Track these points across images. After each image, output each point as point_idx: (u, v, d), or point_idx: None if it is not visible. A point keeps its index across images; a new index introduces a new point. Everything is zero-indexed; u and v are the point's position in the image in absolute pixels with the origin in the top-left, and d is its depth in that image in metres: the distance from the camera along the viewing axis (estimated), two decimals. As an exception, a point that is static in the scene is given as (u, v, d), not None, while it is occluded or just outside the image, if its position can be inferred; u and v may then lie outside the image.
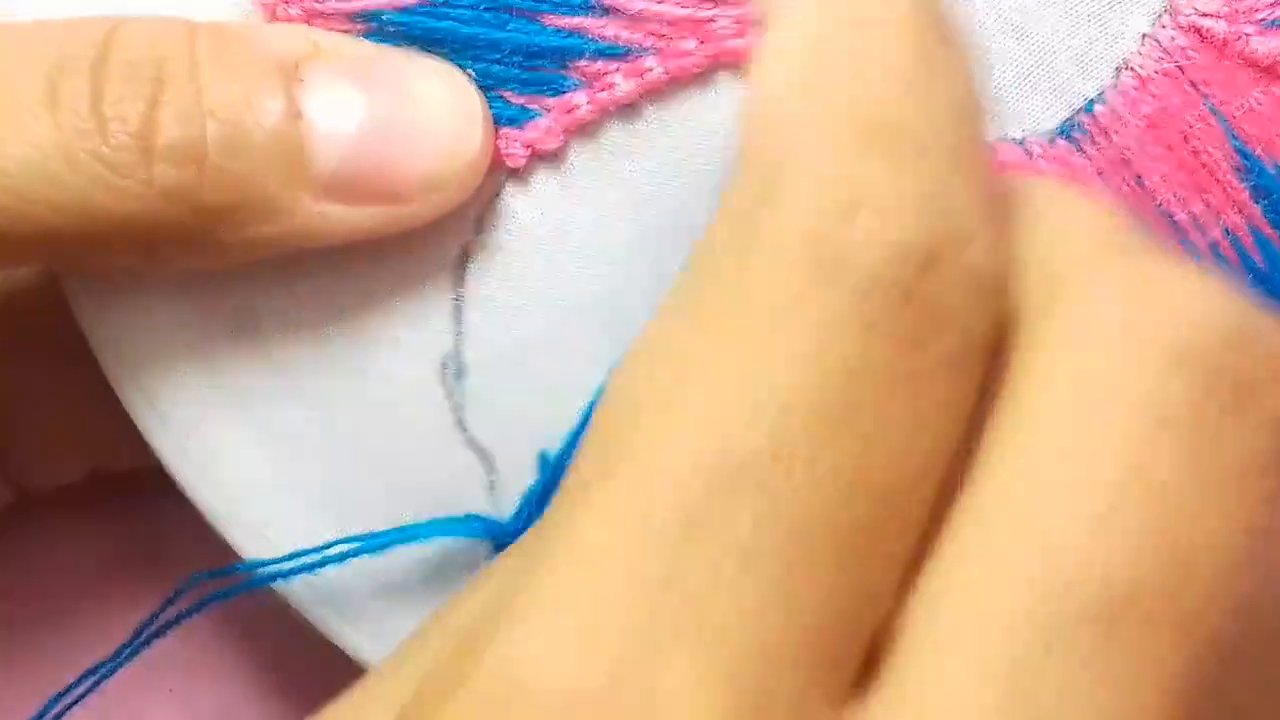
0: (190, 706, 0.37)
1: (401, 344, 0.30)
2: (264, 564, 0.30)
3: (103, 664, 0.32)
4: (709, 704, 0.20)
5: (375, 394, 0.30)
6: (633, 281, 0.29)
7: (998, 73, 0.28)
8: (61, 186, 0.27)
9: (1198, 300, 0.22)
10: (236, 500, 0.31)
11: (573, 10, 0.29)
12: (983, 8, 0.28)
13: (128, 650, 0.32)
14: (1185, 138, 0.28)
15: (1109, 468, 0.21)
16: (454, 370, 0.30)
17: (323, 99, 0.28)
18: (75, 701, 0.32)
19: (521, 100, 0.29)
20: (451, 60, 0.29)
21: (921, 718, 0.21)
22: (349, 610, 0.31)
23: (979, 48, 0.27)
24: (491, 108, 0.29)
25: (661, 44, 0.29)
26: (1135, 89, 0.28)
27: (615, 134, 0.29)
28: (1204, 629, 0.21)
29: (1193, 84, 0.28)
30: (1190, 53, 0.28)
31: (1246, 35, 0.28)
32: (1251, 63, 0.28)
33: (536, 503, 0.30)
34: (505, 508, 0.30)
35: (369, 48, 0.29)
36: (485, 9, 0.29)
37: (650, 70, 0.28)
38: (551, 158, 0.29)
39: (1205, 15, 0.28)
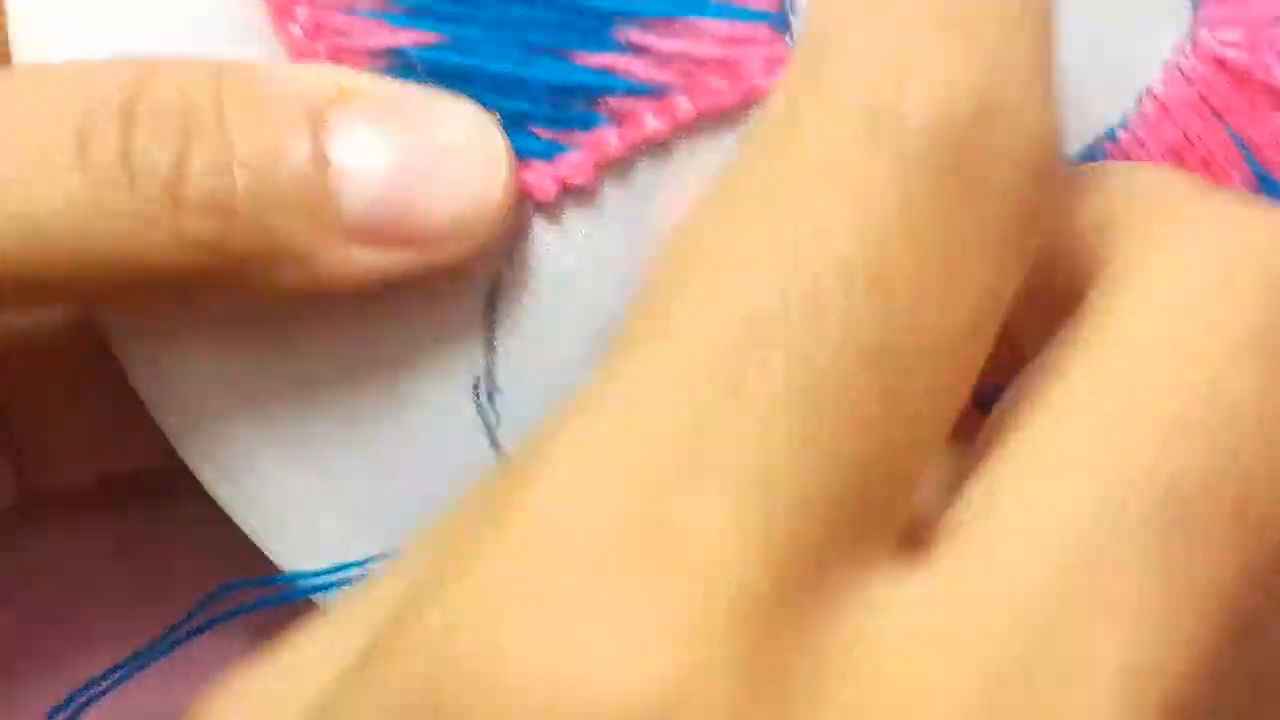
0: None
1: (436, 369, 0.30)
2: (304, 576, 0.31)
3: (120, 665, 0.32)
4: (740, 544, 0.20)
5: (411, 417, 0.30)
6: None
7: None
8: (93, 237, 0.27)
9: None
10: (276, 518, 0.31)
11: (603, 48, 0.29)
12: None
13: (159, 650, 0.32)
14: (1206, 163, 0.29)
15: (1191, 378, 0.22)
16: (487, 391, 0.30)
17: (349, 143, 0.28)
18: (89, 701, 0.32)
19: (552, 135, 0.29)
20: (478, 98, 0.28)
21: (974, 595, 0.21)
22: None
23: None
24: (521, 142, 0.29)
25: (692, 83, 0.29)
26: (1157, 116, 0.29)
27: (646, 169, 0.29)
28: (1263, 546, 0.22)
29: (1214, 111, 0.29)
30: (1212, 81, 0.29)
31: (1268, 65, 0.28)
32: (1272, 91, 0.29)
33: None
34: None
35: (394, 88, 0.28)
36: (513, 46, 0.28)
37: (681, 109, 0.29)
38: (582, 192, 0.29)
39: (1227, 45, 0.29)
